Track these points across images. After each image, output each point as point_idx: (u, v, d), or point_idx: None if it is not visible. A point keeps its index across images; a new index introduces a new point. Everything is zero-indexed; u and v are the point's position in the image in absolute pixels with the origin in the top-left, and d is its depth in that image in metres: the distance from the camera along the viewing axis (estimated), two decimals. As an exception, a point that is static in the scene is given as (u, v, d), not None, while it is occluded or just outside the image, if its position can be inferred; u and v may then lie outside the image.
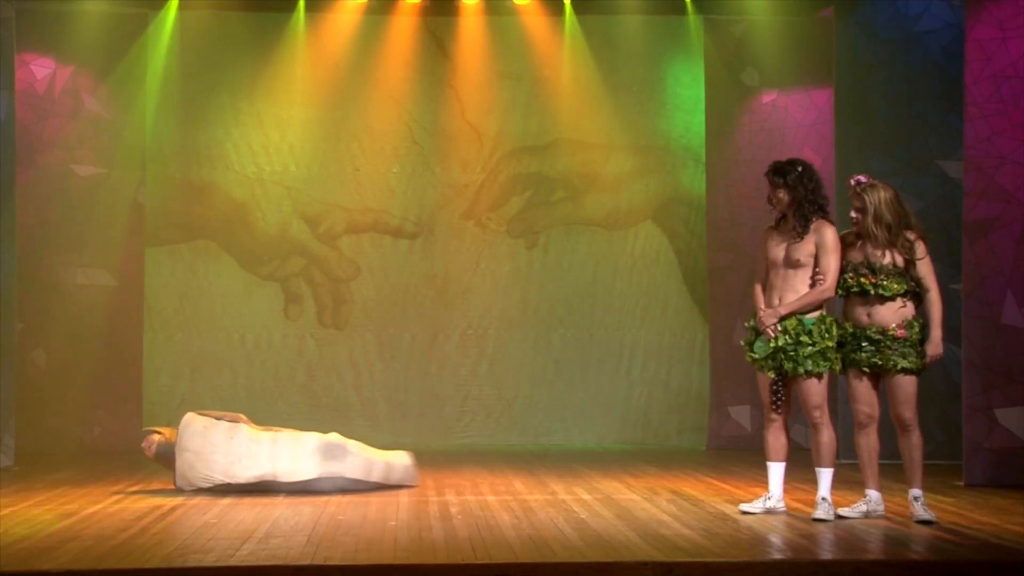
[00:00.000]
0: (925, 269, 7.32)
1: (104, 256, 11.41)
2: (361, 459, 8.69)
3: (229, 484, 8.48)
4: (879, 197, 7.30)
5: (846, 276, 7.37)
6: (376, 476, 8.70)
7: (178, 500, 8.15)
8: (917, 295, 7.33)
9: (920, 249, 7.31)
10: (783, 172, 7.48)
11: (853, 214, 7.36)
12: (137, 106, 11.61)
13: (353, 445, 8.77)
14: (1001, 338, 9.02)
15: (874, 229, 7.29)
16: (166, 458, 8.64)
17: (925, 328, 7.36)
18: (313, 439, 8.69)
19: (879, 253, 7.30)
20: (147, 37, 11.64)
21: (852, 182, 7.39)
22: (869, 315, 7.33)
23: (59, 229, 11.33)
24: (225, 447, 8.54)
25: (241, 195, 12.17)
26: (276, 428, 8.90)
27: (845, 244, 7.44)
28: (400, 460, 8.91)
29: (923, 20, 10.53)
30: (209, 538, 6.70)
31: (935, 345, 7.30)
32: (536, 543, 6.50)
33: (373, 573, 5.84)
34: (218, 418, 8.70)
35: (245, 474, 8.49)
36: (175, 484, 8.59)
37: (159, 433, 8.74)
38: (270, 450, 8.56)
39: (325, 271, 12.27)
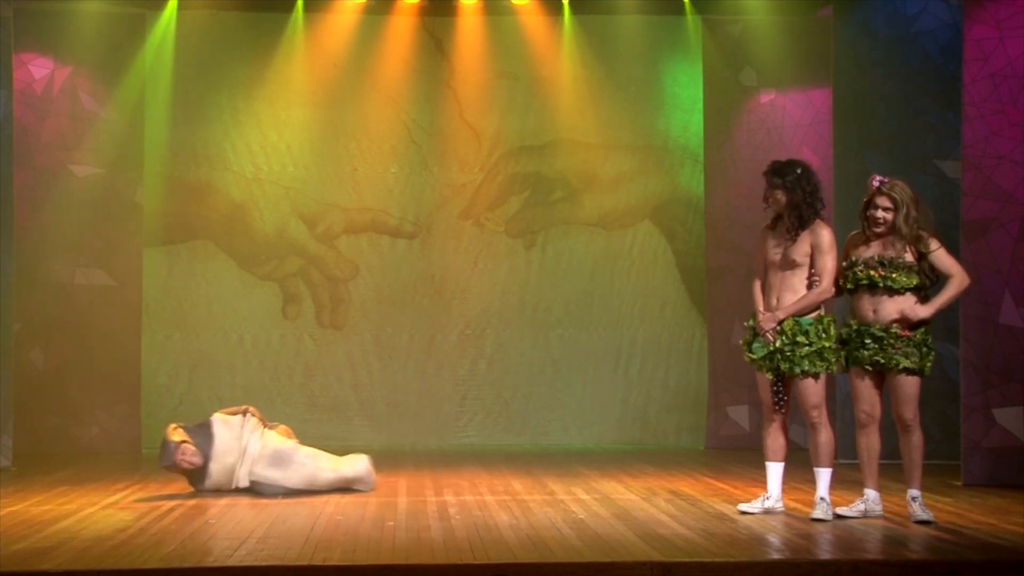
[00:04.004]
0: (944, 259, 7.28)
1: (102, 256, 11.38)
2: (307, 469, 8.47)
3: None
4: (908, 194, 7.28)
5: (856, 270, 7.31)
6: (320, 486, 8.48)
7: (176, 501, 8.14)
8: (926, 295, 7.32)
9: (932, 243, 7.28)
10: (782, 173, 7.40)
11: (880, 213, 7.25)
12: (135, 106, 11.58)
13: (304, 454, 8.55)
14: (999, 338, 9.02)
15: (904, 226, 7.24)
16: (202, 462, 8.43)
17: (930, 329, 7.35)
18: (272, 443, 8.54)
19: (897, 247, 7.25)
20: (145, 37, 11.62)
21: (875, 183, 7.28)
22: (875, 311, 7.30)
23: (57, 229, 11.29)
24: (252, 446, 8.50)
25: (239, 195, 12.17)
26: (272, 424, 8.83)
27: (854, 243, 7.42)
28: (352, 469, 8.64)
29: (921, 20, 10.53)
30: (207, 538, 6.69)
31: (924, 307, 7.23)
32: (534, 543, 6.50)
33: (371, 573, 5.84)
34: (243, 413, 8.58)
35: (252, 478, 8.50)
36: (200, 487, 8.44)
37: (185, 441, 8.36)
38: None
39: (323, 271, 12.27)
